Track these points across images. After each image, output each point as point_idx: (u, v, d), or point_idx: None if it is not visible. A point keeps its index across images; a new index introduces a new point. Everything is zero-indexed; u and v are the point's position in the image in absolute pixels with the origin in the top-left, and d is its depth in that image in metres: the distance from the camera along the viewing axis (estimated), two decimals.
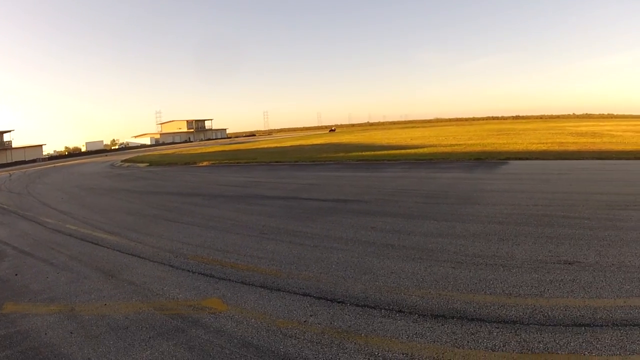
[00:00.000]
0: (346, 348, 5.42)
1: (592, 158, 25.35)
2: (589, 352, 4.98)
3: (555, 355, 4.98)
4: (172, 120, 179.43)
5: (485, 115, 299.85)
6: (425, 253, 8.95)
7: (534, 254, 8.48)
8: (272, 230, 11.79)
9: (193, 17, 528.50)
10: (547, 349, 5.11)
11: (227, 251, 10.06)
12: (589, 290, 6.67)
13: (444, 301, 6.60)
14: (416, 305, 6.50)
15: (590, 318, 5.78)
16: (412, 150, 37.90)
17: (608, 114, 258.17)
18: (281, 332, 5.94)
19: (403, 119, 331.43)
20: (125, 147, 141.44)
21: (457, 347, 5.27)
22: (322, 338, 5.70)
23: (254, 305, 6.88)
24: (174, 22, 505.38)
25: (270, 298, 7.15)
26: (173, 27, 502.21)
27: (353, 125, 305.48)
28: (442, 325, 5.86)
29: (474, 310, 6.23)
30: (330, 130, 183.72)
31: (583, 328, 5.53)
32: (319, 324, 6.13)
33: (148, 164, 47.62)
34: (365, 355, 5.23)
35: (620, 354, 4.91)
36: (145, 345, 5.79)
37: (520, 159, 27.16)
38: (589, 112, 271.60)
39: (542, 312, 6.05)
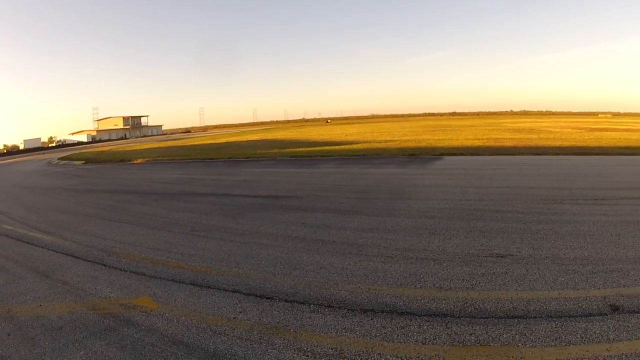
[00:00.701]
0: (275, 344, 5.45)
1: (529, 154, 26.46)
2: (522, 344, 5.13)
3: (488, 347, 5.10)
4: (109, 117, 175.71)
5: (422, 112, 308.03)
6: (355, 248, 9.06)
7: (466, 248, 8.73)
8: (203, 227, 11.79)
9: (129, 10, 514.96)
10: (479, 341, 5.24)
11: (159, 249, 10.03)
12: (522, 282, 6.90)
13: (374, 295, 6.67)
14: (345, 300, 6.57)
15: (523, 310, 5.97)
16: (347, 146, 38.52)
17: (546, 111, 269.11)
18: (211, 329, 5.98)
19: (338, 115, 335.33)
20: (63, 145, 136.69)
21: (386, 341, 5.33)
22: (251, 334, 5.74)
23: (184, 303, 6.92)
24: (110, 15, 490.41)
25: (200, 295, 7.19)
26: (110, 20, 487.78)
27: (288, 121, 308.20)
28: (372, 319, 5.93)
29: (404, 304, 6.33)
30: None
31: (516, 320, 5.70)
32: (248, 320, 6.17)
33: (84, 162, 46.61)
34: (294, 350, 5.27)
35: (555, 345, 5.07)
36: (79, 345, 5.81)
37: (455, 154, 28.00)
38: (526, 109, 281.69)
39: (473, 304, 6.21)
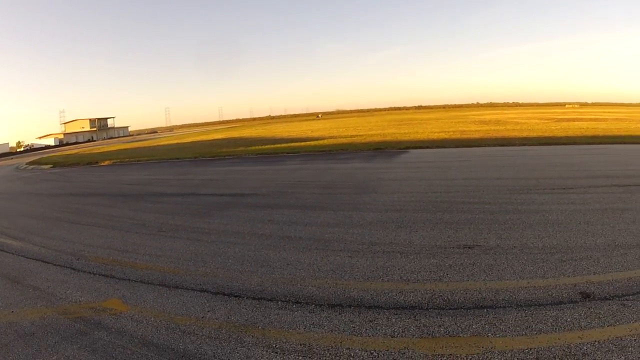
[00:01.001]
0: (244, 341, 5.48)
1: (495, 145, 27.00)
2: (492, 334, 5.20)
3: (457, 338, 5.17)
4: (76, 120, 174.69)
5: (387, 106, 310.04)
6: (321, 243, 9.12)
7: (433, 240, 8.84)
8: (170, 228, 11.78)
9: (94, 6, 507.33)
10: (448, 332, 5.30)
11: (127, 251, 10.02)
12: (490, 272, 7.01)
13: (341, 290, 6.72)
14: (313, 296, 6.61)
15: (492, 300, 6.06)
16: (312, 143, 38.65)
17: (513, 103, 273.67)
18: (180, 329, 5.99)
19: (304, 112, 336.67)
20: (31, 149, 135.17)
21: (355, 335, 5.37)
22: (219, 333, 5.77)
23: (153, 304, 6.93)
24: (73, 13, 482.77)
25: (169, 296, 7.20)
26: (72, 19, 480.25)
27: (254, 119, 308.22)
28: (340, 314, 5.97)
29: (372, 298, 6.38)
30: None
31: (485, 310, 5.78)
32: (216, 319, 6.20)
33: (52, 166, 46.08)
34: (263, 347, 5.29)
35: (526, 334, 5.15)
36: (52, 350, 5.80)
37: (420, 147, 28.43)
38: (493, 101, 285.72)
39: (441, 296, 6.28)
